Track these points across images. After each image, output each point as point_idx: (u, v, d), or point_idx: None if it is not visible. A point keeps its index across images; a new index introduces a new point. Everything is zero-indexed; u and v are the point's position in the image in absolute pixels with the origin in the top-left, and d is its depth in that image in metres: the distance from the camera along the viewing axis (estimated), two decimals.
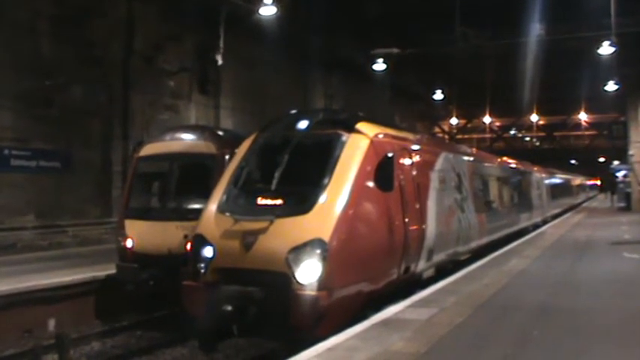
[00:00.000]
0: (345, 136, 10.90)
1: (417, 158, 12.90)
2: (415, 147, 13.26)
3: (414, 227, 11.88)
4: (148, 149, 14.59)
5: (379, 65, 29.75)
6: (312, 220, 9.82)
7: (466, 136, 67.76)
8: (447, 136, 63.93)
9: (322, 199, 10.03)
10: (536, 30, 25.90)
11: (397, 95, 45.94)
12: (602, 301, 10.82)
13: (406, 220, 11.51)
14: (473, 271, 14.34)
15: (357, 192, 10.30)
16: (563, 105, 56.79)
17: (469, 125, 66.78)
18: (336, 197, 10.05)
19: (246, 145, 11.84)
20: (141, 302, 13.96)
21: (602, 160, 76.16)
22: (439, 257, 13.59)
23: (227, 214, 10.42)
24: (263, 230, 9.86)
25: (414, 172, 12.50)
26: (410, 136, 13.86)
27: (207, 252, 10.32)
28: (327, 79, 37.82)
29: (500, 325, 9.17)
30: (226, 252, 10.16)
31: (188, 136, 14.50)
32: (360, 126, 11.28)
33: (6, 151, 19.08)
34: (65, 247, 20.34)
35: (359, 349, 7.67)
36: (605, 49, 26.40)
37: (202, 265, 10.31)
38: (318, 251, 9.45)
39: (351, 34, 30.61)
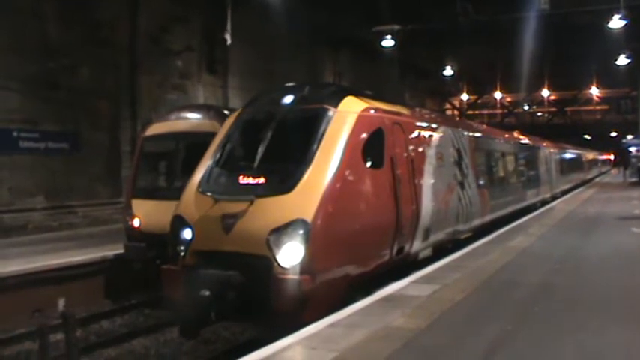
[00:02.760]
0: (331, 111, 10.45)
1: (411, 133, 12.45)
2: (409, 121, 12.77)
3: (408, 205, 11.45)
4: (154, 129, 14.68)
5: (387, 42, 29.59)
6: (295, 199, 9.41)
7: (477, 112, 67.47)
8: (457, 112, 63.74)
9: (305, 177, 9.60)
10: (539, 4, 25.56)
11: (407, 72, 45.76)
12: (605, 278, 10.86)
13: (398, 198, 11.03)
14: (478, 248, 14.38)
15: (343, 169, 9.86)
16: (574, 80, 56.29)
17: (480, 101, 66.42)
18: (320, 175, 9.64)
19: (229, 121, 11.52)
20: (148, 281, 14.11)
21: (614, 134, 75.83)
22: (437, 237, 13.19)
23: (207, 193, 10.09)
24: (243, 211, 9.48)
25: (408, 148, 12.02)
26: (403, 110, 13.23)
27: (187, 234, 10.00)
28: (335, 57, 37.71)
29: (502, 301, 9.22)
30: (205, 234, 9.83)
31: (193, 116, 14.59)
32: (347, 100, 10.88)
33: (15, 134, 19.16)
34: (75, 227, 20.49)
35: (360, 325, 7.73)
36: (616, 22, 26.08)
37: (181, 247, 10.01)
38: (300, 232, 9.06)
39: (358, 11, 30.44)
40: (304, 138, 10.15)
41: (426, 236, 12.45)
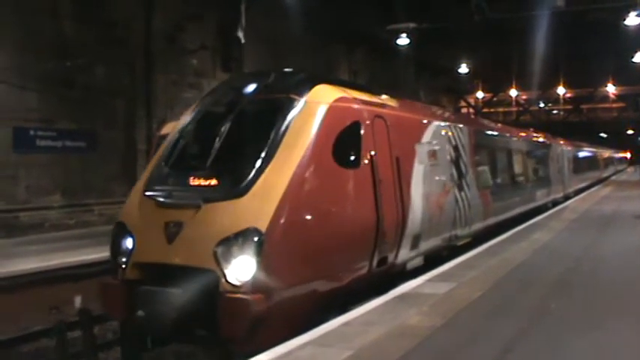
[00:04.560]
0: (297, 101, 9.11)
1: (396, 128, 10.89)
2: (395, 114, 11.25)
3: (391, 210, 10.15)
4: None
5: (403, 40, 29.55)
6: (247, 204, 8.08)
7: (492, 110, 67.31)
8: (472, 110, 63.55)
9: (262, 178, 8.26)
10: (554, 1, 25.38)
11: (422, 70, 45.66)
12: (622, 276, 10.77)
13: (379, 201, 9.74)
14: (494, 246, 14.30)
15: (308, 169, 8.57)
16: (590, 77, 56.05)
17: (495, 99, 66.24)
18: (279, 176, 8.29)
19: (186, 114, 10.29)
20: None
21: (630, 132, 75.41)
22: (429, 244, 11.93)
23: (151, 197, 8.81)
24: (188, 218, 8.20)
25: (393, 145, 10.58)
26: (390, 101, 11.66)
27: (128, 243, 8.71)
28: (350, 55, 37.67)
29: (518, 299, 9.17)
30: (147, 244, 8.55)
31: None
32: (317, 89, 9.53)
33: (32, 132, 19.28)
34: (91, 225, 20.58)
35: (375, 324, 7.71)
36: (632, 19, 25.88)
37: (122, 259, 8.69)
38: (252, 244, 7.73)
39: (373, 9, 30.42)
40: (265, 133, 8.82)
41: (414, 244, 11.22)
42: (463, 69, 46.60)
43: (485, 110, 64.71)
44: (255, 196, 8.12)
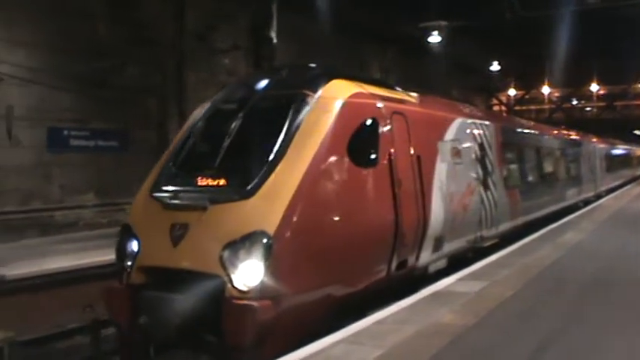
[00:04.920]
0: (310, 97, 8.72)
1: (417, 125, 10.49)
2: (416, 111, 10.86)
3: (412, 210, 9.76)
4: None
5: (434, 38, 29.48)
6: (255, 206, 7.71)
7: (524, 108, 66.75)
8: (504, 108, 63.08)
9: (271, 178, 7.89)
10: None
11: (454, 68, 45.35)
12: None
13: (398, 201, 9.35)
14: (526, 245, 14.20)
15: (320, 168, 8.21)
16: (623, 74, 55.32)
17: (527, 96, 65.69)
18: (289, 176, 7.90)
19: (197, 111, 10.00)
20: None
21: None
22: (453, 246, 11.58)
23: (157, 198, 8.52)
24: (194, 220, 7.87)
25: (412, 143, 10.19)
26: (409, 97, 11.24)
27: (133, 246, 8.42)
28: (382, 54, 37.58)
29: (552, 298, 9.10)
30: (152, 247, 8.23)
31: None
32: (332, 84, 9.14)
33: (65, 132, 19.51)
34: None
35: (408, 322, 7.70)
36: None
37: (128, 262, 8.41)
38: (260, 247, 7.38)
39: (405, 8, 30.30)
40: (275, 130, 8.43)
41: (437, 246, 10.87)
42: (495, 67, 46.30)
43: (517, 108, 64.19)
44: (264, 197, 7.76)
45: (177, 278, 7.76)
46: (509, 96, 65.10)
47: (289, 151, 8.13)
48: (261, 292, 7.31)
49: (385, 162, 9.36)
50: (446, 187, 11.29)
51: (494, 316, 8.02)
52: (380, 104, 9.71)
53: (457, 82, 48.63)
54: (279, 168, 7.98)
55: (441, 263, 11.35)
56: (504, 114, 50.12)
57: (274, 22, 25.31)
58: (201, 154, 9.16)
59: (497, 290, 9.43)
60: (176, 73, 23.44)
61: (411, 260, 9.96)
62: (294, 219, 7.67)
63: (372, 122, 9.34)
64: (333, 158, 8.45)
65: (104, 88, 20.31)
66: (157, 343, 8.11)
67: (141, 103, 21.98)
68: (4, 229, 17.73)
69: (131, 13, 21.55)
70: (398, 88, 11.34)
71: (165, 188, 8.63)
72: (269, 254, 7.36)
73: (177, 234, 7.88)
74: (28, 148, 18.65)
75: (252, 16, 26.53)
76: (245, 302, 7.27)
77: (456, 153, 12.14)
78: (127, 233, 8.60)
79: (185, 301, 7.54)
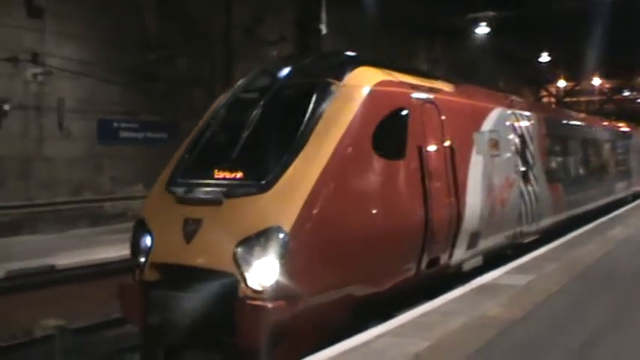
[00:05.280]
0: (334, 85, 8.22)
1: (451, 115, 9.99)
2: (450, 100, 10.33)
3: (443, 206, 9.26)
4: None
5: (482, 29, 29.25)
6: (272, 200, 7.25)
7: (574, 100, 65.80)
8: (553, 100, 62.27)
9: (289, 171, 7.41)
10: None
11: (502, 60, 44.93)
12: None
13: (429, 196, 8.85)
14: (575, 238, 14.04)
15: (342, 160, 7.70)
16: None
17: (577, 88, 64.73)
18: (308, 168, 7.42)
19: (217, 101, 9.58)
20: None
21: None
22: (489, 242, 11.05)
23: (172, 192, 8.08)
24: (208, 215, 7.45)
25: (445, 133, 9.70)
26: (442, 85, 10.68)
27: (147, 241, 8.01)
28: (429, 45, 37.41)
29: (600, 292, 8.99)
30: (164, 242, 7.82)
31: None
32: (358, 72, 8.66)
33: (115, 124, 19.85)
34: None
35: (454, 314, 7.67)
36: None
37: (141, 259, 8.01)
38: (275, 244, 6.92)
39: None
40: (296, 120, 7.97)
41: (472, 243, 10.36)
42: (544, 58, 45.69)
43: (566, 100, 63.31)
44: (281, 191, 7.30)
45: (190, 276, 7.34)
46: (558, 87, 64.21)
47: (309, 143, 7.66)
48: (275, 291, 6.85)
49: (414, 154, 8.85)
50: (482, 181, 10.79)
51: (542, 310, 7.94)
52: (410, 93, 9.23)
53: (505, 73, 48.17)
54: (297, 160, 7.50)
55: (477, 261, 10.83)
56: (552, 105, 49.42)
57: (323, 14, 25.33)
58: (219, 145, 8.70)
59: (545, 283, 9.35)
60: (224, 65, 23.59)
61: (443, 258, 9.49)
62: (313, 214, 7.21)
63: (400, 111, 8.84)
64: (356, 150, 7.95)
65: (153, 80, 20.57)
66: (167, 345, 7.63)
67: (189, 95, 22.16)
68: (56, 219, 18.11)
69: (180, 7, 21.75)
70: (437, 79, 10.89)
71: (181, 181, 8.21)
72: (285, 252, 6.90)
73: (191, 229, 7.46)
74: (79, 139, 19.01)
75: (298, 8, 26.62)
76: (258, 303, 6.81)
77: (494, 144, 11.61)
78: (141, 228, 8.19)
79: (195, 301, 7.12)
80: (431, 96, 9.75)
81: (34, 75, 17.61)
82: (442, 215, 9.18)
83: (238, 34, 23.98)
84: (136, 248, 8.17)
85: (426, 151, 9.08)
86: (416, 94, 9.33)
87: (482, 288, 9.21)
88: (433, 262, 9.16)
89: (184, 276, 7.39)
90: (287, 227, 6.98)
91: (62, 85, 18.29)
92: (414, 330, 7.13)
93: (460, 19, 29.68)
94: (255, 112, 8.35)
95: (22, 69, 17.39)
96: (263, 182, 7.39)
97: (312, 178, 7.32)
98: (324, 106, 8.00)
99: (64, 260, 13.40)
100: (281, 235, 6.94)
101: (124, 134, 20.09)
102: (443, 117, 9.74)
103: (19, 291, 12.69)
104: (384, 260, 8.13)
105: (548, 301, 8.35)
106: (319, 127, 7.78)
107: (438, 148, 9.45)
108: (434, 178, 9.07)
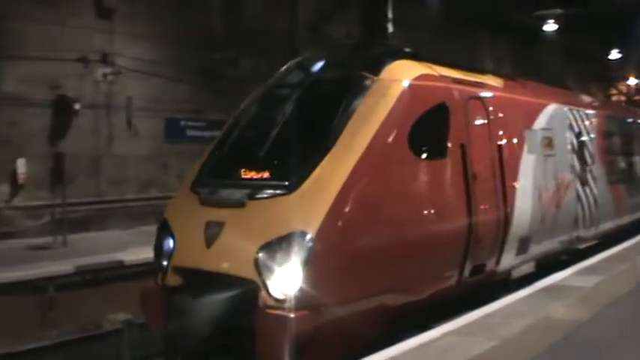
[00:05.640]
0: (369, 79, 7.75)
1: (500, 112, 9.49)
2: (496, 96, 9.70)
3: (489, 209, 8.76)
4: None
5: (550, 26, 28.79)
6: (297, 202, 6.82)
7: None
8: (623, 98, 60.90)
9: (317, 171, 6.96)
10: None
11: (569, 57, 44.18)
12: None
13: (473, 198, 8.33)
14: None
15: (374, 160, 7.21)
16: None
17: None
18: (337, 169, 6.96)
19: (250, 97, 9.17)
20: None
21: None
22: (541, 248, 10.46)
23: (196, 192, 7.79)
24: (231, 217, 7.10)
25: (493, 131, 9.21)
26: (490, 80, 10.11)
27: (169, 244, 7.72)
28: (493, 42, 36.96)
29: None
30: (186, 246, 7.52)
31: None
32: (396, 65, 8.16)
33: (182, 123, 20.12)
34: None
35: (519, 315, 7.58)
36: None
37: (163, 262, 7.72)
38: (298, 251, 6.49)
39: None
40: (327, 117, 7.54)
41: (522, 248, 9.80)
42: (614, 55, 44.77)
43: (637, 98, 61.84)
44: (307, 192, 6.86)
45: (210, 282, 7.01)
46: (629, 85, 62.77)
47: (340, 141, 7.19)
48: (298, 301, 6.41)
49: (456, 153, 8.31)
50: (534, 182, 10.21)
51: (610, 313, 7.79)
52: (452, 87, 8.67)
53: (573, 71, 47.28)
54: (326, 160, 7.05)
55: (528, 267, 10.28)
56: (621, 103, 48.35)
57: (389, 11, 25.23)
58: (247, 144, 8.28)
59: (613, 285, 9.17)
60: None
61: (489, 264, 8.97)
62: (340, 218, 6.77)
63: (441, 108, 8.28)
64: (390, 148, 7.48)
65: (219, 79, 20.79)
66: (185, 354, 7.24)
67: None
68: (125, 215, 18.47)
69: (245, 6, 21.95)
70: (484, 74, 10.37)
71: (207, 181, 7.92)
72: (309, 258, 6.47)
73: (212, 233, 7.13)
74: (147, 138, 19.34)
75: (364, 6, 26.58)
76: (279, 312, 6.42)
77: (548, 143, 10.97)
78: (164, 230, 7.91)
79: (214, 308, 6.73)
80: (476, 91, 9.30)
81: (104, 75, 17.98)
82: (488, 219, 8.71)
83: (303, 32, 24.06)
84: (158, 251, 7.89)
85: (470, 150, 8.52)
86: (459, 90, 8.79)
87: (548, 289, 9.06)
88: (478, 269, 8.68)
89: (204, 282, 7.07)
90: (311, 232, 6.56)
91: (131, 85, 18.65)
92: (478, 330, 7.08)
93: (527, 16, 29.25)
94: (286, 109, 7.99)
95: (92, 69, 17.77)
96: (288, 183, 7.00)
97: (340, 179, 6.89)
98: (358, 102, 7.55)
99: (133, 256, 13.65)
100: (305, 241, 6.54)
101: (190, 132, 20.34)
102: (490, 114, 9.28)
103: (89, 286, 13.02)
104: (420, 267, 7.61)
105: (616, 304, 8.19)
106: (351, 124, 7.34)
107: (483, 147, 8.93)
108: (479, 179, 8.57)
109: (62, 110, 16.83)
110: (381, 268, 7.05)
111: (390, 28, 25.21)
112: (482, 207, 8.54)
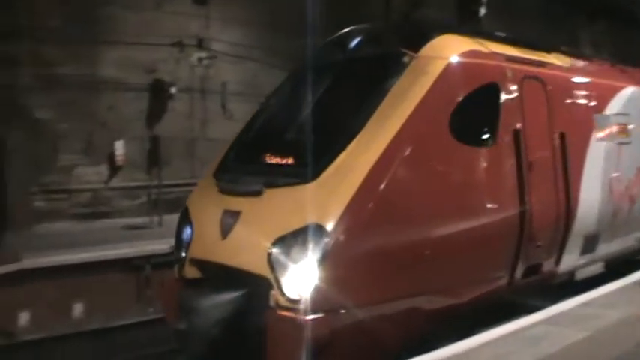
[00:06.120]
0: (407, 57, 6.93)
1: (562, 94, 8.54)
2: (559, 76, 8.71)
3: (547, 202, 7.82)
4: None
5: None
6: (316, 192, 6.08)
7: None
8: None
9: (341, 158, 6.21)
10: None
11: None
12: None
13: (527, 191, 7.41)
14: None
15: (407, 145, 6.37)
16: None
17: None
18: (364, 155, 6.20)
19: (285, 78, 8.64)
20: None
21: None
22: (612, 246, 9.48)
23: (218, 179, 7.28)
24: (247, 207, 6.52)
25: (554, 116, 8.20)
26: (554, 59, 9.05)
27: (188, 234, 7.30)
28: (590, 27, 35.98)
29: None
30: (202, 237, 7.05)
31: None
32: (439, 40, 7.27)
33: None
34: None
35: (613, 307, 7.41)
36: None
37: (182, 253, 7.30)
38: (314, 246, 5.79)
39: None
40: (359, 98, 6.84)
41: (588, 247, 8.84)
42: None
43: None
44: (327, 181, 6.13)
45: (223, 277, 6.59)
46: None
47: (369, 125, 6.43)
48: (312, 302, 5.74)
49: (508, 140, 7.43)
50: (603, 173, 9.13)
51: None
52: (504, 66, 7.74)
53: None
54: (352, 145, 6.30)
55: (595, 268, 9.31)
56: None
57: None
58: (273, 128, 7.74)
59: None
60: None
61: (547, 264, 8.08)
62: (363, 210, 6.03)
63: (490, 88, 7.42)
64: (426, 133, 6.66)
65: None
66: (192, 353, 6.68)
67: None
68: None
69: None
70: (550, 52, 9.32)
71: (230, 167, 7.43)
72: (325, 255, 5.79)
73: (228, 223, 6.60)
74: (241, 122, 19.39)
75: None
76: (292, 315, 5.78)
77: (622, 130, 9.80)
78: (184, 219, 7.49)
79: (223, 306, 6.30)
80: (534, 71, 8.26)
81: (199, 59, 18.31)
82: (545, 214, 7.77)
83: (397, 17, 23.94)
84: (177, 241, 7.51)
85: (525, 136, 7.61)
86: (513, 68, 7.84)
87: None
88: (533, 269, 7.82)
89: (217, 276, 6.69)
90: (328, 225, 5.84)
91: (225, 69, 18.92)
92: (570, 320, 6.96)
93: (629, 1, 28.37)
94: (315, 90, 7.41)
95: (188, 54, 18.10)
96: (307, 170, 6.24)
97: (366, 166, 6.13)
98: (392, 81, 6.74)
99: None
100: (321, 235, 5.82)
101: None
102: (550, 96, 8.27)
103: None
104: (460, 267, 6.78)
105: None
106: (383, 106, 6.56)
107: (541, 133, 7.99)
108: (535, 169, 7.64)
109: (158, 94, 17.24)
110: (411, 267, 6.31)
111: (482, 11, 24.84)
112: (537, 200, 7.60)
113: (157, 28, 17.25)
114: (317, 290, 5.75)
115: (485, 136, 7.31)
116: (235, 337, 6.29)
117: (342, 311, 5.83)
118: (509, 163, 7.39)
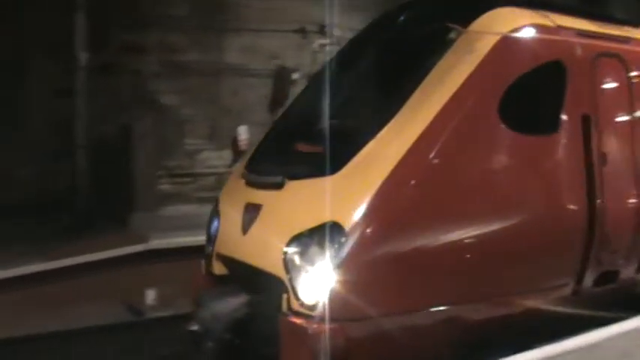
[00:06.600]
0: (454, 32, 6.06)
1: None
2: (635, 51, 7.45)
3: (624, 200, 6.84)
4: None
5: None
6: (338, 185, 5.39)
7: None
8: None
9: (369, 147, 5.50)
10: None
11: None
12: None
13: (598, 187, 6.47)
14: None
15: (445, 132, 5.61)
16: None
17: None
18: (394, 142, 5.50)
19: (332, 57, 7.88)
20: None
21: None
22: None
23: (247, 170, 6.75)
24: (267, 201, 5.96)
25: (635, 100, 7.14)
26: (637, 34, 7.81)
27: (216, 228, 6.86)
28: None
29: None
30: (226, 232, 6.59)
31: None
32: (493, 14, 6.31)
33: None
34: None
35: None
36: None
37: (210, 247, 6.89)
38: (330, 246, 5.17)
39: None
40: (398, 79, 6.11)
41: None
42: None
43: None
44: (351, 172, 5.46)
45: (241, 275, 6.21)
46: None
47: (404, 109, 5.68)
48: (328, 309, 5.15)
49: (574, 127, 6.47)
50: None
51: None
52: (572, 42, 6.74)
53: None
54: (384, 132, 5.59)
55: None
56: None
57: None
58: (309, 113, 7.02)
59: None
60: None
61: (626, 272, 7.05)
62: (388, 205, 5.35)
63: (554, 67, 6.47)
64: (471, 118, 5.83)
65: None
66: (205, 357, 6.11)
67: None
68: None
69: None
70: (631, 23, 8.14)
71: (260, 157, 6.94)
72: (343, 257, 5.16)
73: (249, 217, 6.09)
74: None
75: None
76: (301, 323, 5.24)
77: None
78: (214, 212, 7.08)
79: (235, 308, 5.96)
80: (610, 47, 7.18)
81: (321, 45, 18.44)
82: (622, 214, 6.81)
83: None
84: (207, 234, 7.06)
85: (597, 123, 6.65)
86: (584, 44, 6.82)
87: None
88: (607, 276, 6.84)
89: (239, 275, 6.29)
90: (346, 224, 5.20)
91: None
92: None
93: None
94: (356, 72, 6.93)
95: (310, 40, 18.27)
96: (332, 160, 5.56)
97: (395, 156, 5.43)
98: (434, 60, 5.93)
99: None
100: (337, 235, 5.20)
101: None
102: (630, 77, 7.22)
103: None
104: (510, 273, 5.99)
105: None
106: (423, 87, 5.77)
107: (618, 120, 7.01)
108: (609, 162, 6.68)
109: (281, 80, 17.48)
110: (448, 273, 5.60)
111: None
112: (612, 198, 6.65)
113: (280, 16, 17.46)
114: (333, 296, 5.14)
115: (546, 123, 6.42)
116: (251, 343, 5.93)
117: (363, 321, 5.22)
118: (574, 155, 6.46)
